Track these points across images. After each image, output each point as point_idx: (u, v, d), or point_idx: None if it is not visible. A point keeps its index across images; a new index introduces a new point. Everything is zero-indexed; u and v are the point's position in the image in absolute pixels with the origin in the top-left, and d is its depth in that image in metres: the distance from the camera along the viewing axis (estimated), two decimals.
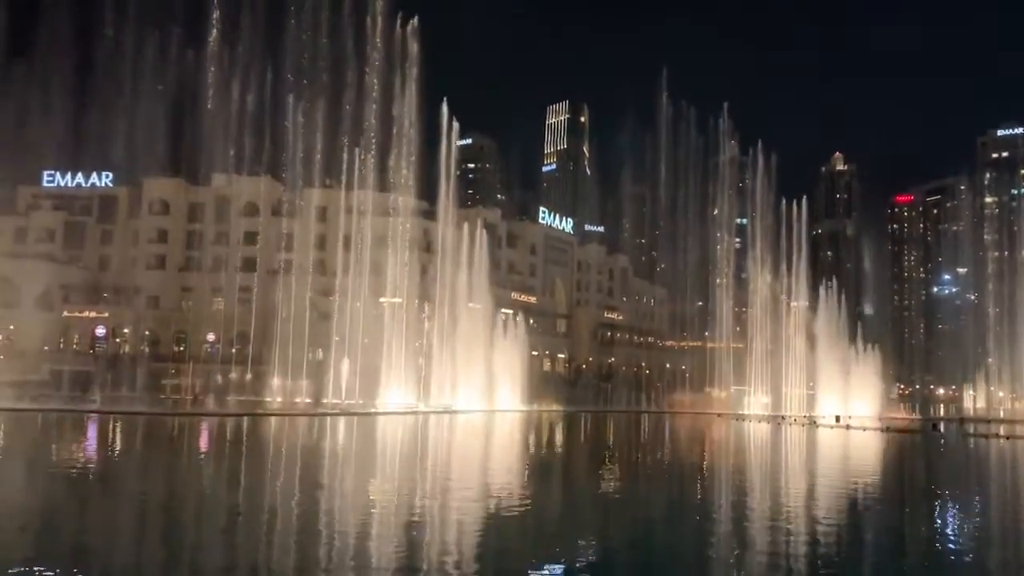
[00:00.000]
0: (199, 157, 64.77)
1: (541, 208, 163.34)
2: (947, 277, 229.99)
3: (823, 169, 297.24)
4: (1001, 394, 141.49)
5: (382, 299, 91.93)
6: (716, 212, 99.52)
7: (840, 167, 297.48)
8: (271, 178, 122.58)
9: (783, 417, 79.18)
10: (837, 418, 76.26)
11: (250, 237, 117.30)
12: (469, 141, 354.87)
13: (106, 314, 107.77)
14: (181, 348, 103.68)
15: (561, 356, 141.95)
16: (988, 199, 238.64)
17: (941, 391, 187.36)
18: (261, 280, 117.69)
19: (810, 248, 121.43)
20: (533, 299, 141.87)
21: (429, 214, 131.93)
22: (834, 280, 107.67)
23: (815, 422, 71.97)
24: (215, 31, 56.29)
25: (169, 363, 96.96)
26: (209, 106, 58.34)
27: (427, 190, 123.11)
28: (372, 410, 69.70)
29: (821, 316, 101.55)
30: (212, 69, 56.74)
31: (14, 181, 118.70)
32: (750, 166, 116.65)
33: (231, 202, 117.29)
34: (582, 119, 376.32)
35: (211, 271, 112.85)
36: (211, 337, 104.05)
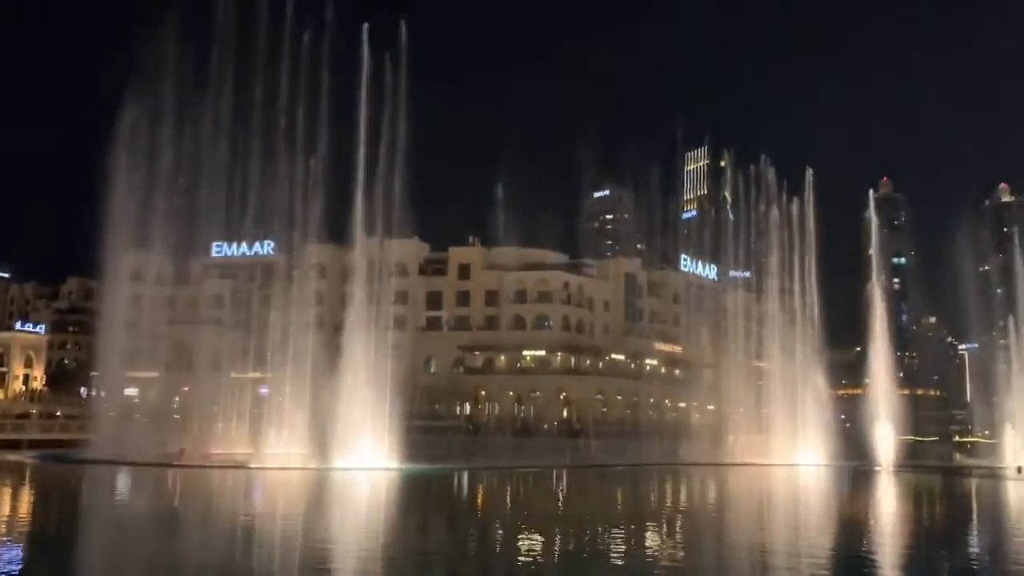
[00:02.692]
0: (351, 222, 68.09)
1: (682, 255, 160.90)
2: None
3: (987, 202, 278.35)
4: None
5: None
6: (871, 253, 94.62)
7: (1006, 198, 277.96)
8: (418, 239, 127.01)
9: None
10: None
11: (400, 296, 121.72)
12: (607, 192, 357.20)
13: (269, 375, 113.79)
14: (339, 405, 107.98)
15: (710, 407, 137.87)
16: None
17: None
18: (412, 337, 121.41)
19: (982, 287, 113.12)
20: (678, 348, 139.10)
21: (573, 267, 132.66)
22: (1011, 319, 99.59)
23: None
24: (364, 108, 59.54)
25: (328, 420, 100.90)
26: (360, 172, 61.40)
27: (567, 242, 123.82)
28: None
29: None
30: (362, 134, 59.84)
31: (188, 254, 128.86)
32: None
33: (382, 263, 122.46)
34: (722, 163, 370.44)
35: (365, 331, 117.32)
36: (366, 394, 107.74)
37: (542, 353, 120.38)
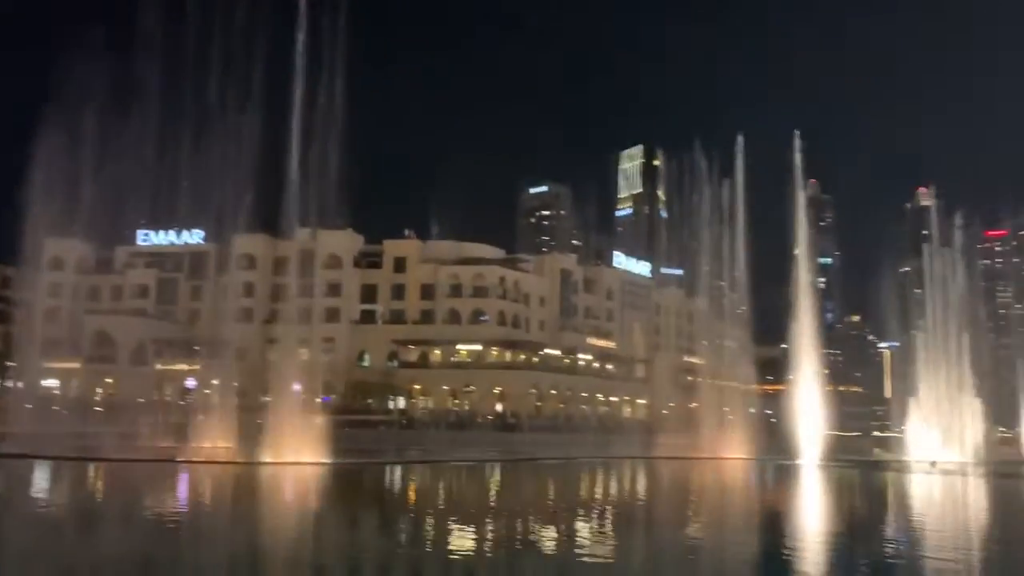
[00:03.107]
0: (284, 212, 66.47)
1: (616, 252, 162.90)
2: None
3: (908, 205, 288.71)
4: None
5: None
6: (797, 252, 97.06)
7: (925, 202, 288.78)
8: (352, 230, 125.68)
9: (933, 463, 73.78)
10: (933, 463, 72.55)
11: (333, 289, 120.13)
12: (544, 188, 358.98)
13: (197, 367, 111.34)
14: (267, 399, 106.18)
15: (640, 402, 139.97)
16: None
17: None
18: (345, 330, 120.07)
19: (899, 286, 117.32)
20: (611, 344, 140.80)
21: (509, 262, 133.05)
22: (926, 319, 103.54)
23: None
24: (299, 95, 58.25)
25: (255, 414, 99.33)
26: (293, 161, 60.03)
27: (504, 237, 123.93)
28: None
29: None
30: (296, 126, 58.56)
31: (112, 241, 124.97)
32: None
33: (315, 255, 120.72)
34: (655, 162, 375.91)
35: (296, 323, 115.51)
36: (297, 387, 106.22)
37: (477, 347, 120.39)
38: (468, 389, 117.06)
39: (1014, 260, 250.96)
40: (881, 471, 68.09)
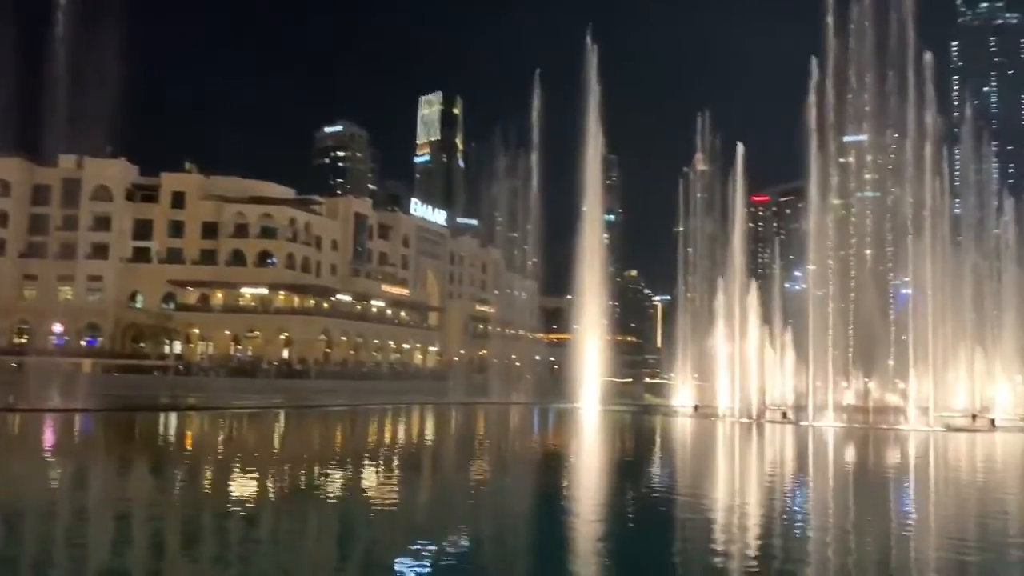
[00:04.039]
0: (44, 135, 59.16)
1: (413, 199, 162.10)
2: (797, 274, 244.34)
3: (685, 168, 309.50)
4: (844, 384, 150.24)
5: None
6: (585, 208, 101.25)
7: (702, 167, 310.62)
8: (126, 160, 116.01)
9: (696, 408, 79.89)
10: (696, 407, 79.31)
11: (101, 222, 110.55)
12: (340, 128, 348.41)
13: None
14: (24, 340, 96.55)
15: (432, 349, 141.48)
16: (835, 201, 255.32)
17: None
18: (115, 268, 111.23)
19: (674, 245, 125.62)
20: (405, 291, 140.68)
21: (301, 203, 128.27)
22: (696, 276, 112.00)
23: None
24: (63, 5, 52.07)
25: (9, 356, 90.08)
26: (58, 80, 53.72)
27: (296, 177, 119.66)
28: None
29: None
30: (61, 39, 52.41)
31: None
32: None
33: (81, 184, 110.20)
34: (455, 111, 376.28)
35: (58, 258, 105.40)
36: (58, 328, 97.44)
37: (263, 291, 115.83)
38: (252, 334, 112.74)
39: (774, 224, 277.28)
40: (650, 415, 73.40)
